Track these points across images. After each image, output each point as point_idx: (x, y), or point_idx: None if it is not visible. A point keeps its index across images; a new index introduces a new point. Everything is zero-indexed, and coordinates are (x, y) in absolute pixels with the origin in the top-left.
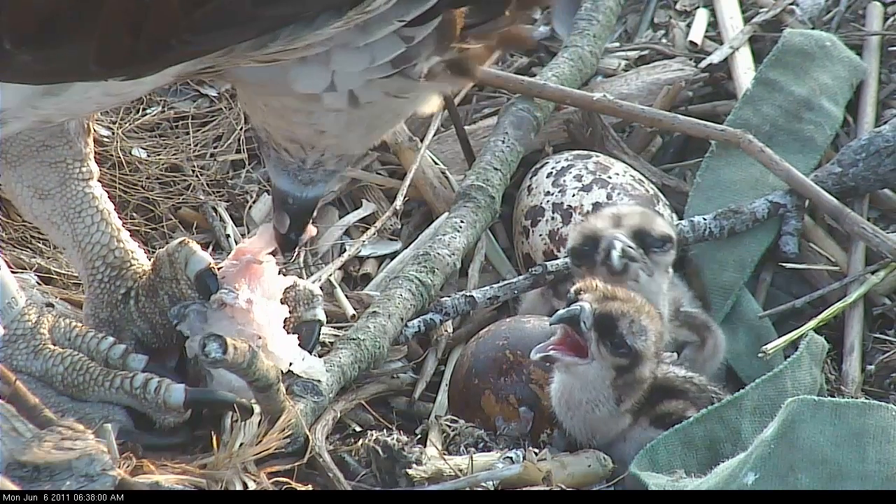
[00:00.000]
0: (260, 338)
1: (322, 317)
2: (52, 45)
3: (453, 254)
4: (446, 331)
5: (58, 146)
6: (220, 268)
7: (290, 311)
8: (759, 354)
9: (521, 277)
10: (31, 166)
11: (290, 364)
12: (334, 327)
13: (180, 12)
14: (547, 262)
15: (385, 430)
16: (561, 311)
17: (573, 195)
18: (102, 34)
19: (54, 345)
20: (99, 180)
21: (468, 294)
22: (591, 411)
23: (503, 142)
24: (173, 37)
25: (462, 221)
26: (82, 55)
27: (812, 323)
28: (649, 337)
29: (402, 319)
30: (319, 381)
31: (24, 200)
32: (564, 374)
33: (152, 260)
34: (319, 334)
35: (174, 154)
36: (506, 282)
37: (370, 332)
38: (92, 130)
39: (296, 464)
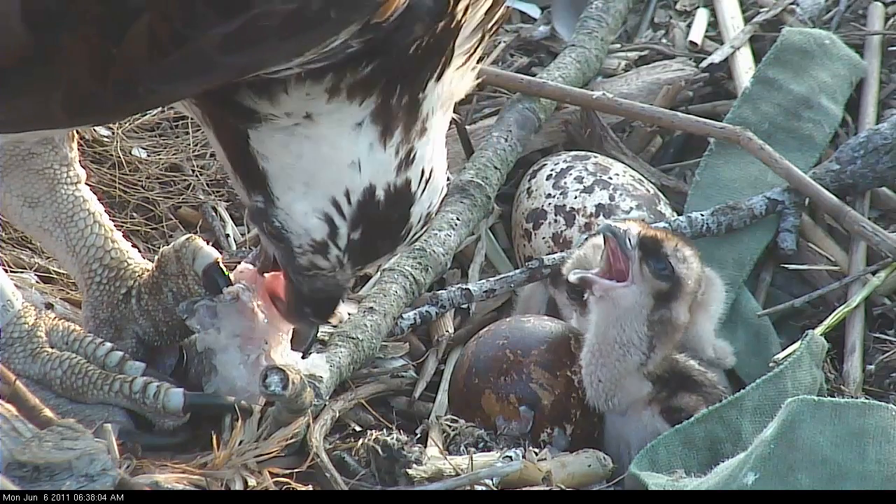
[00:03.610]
0: (266, 343)
1: None
2: (16, 96)
3: (447, 252)
4: (447, 331)
5: (44, 153)
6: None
7: None
8: (770, 364)
9: (517, 272)
10: (18, 175)
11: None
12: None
13: (147, 61)
14: (544, 257)
15: (385, 430)
16: (608, 222)
17: (575, 197)
18: (68, 83)
19: (52, 348)
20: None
21: (464, 287)
22: (622, 358)
23: (506, 140)
24: (140, 85)
25: (458, 218)
26: (47, 104)
27: (819, 329)
28: (691, 268)
29: (394, 318)
30: (321, 378)
31: (14, 210)
32: (601, 307)
33: (157, 257)
34: (318, 331)
35: (174, 154)
36: (502, 275)
37: (367, 332)
38: (76, 136)
39: (295, 469)
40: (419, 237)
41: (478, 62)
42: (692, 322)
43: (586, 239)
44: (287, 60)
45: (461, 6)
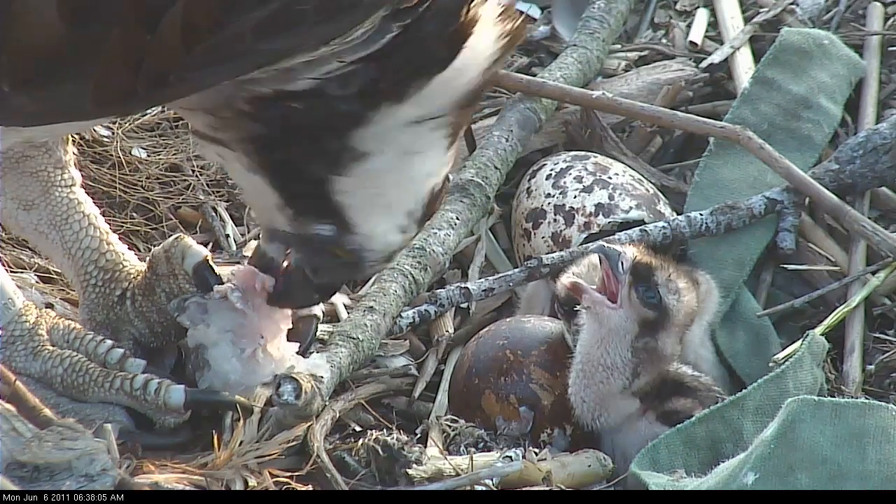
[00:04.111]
0: (262, 337)
1: (318, 312)
2: (49, 87)
3: (446, 252)
4: (447, 331)
5: (37, 156)
6: (227, 268)
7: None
8: (770, 364)
9: (516, 270)
10: (12, 178)
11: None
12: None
13: (182, 48)
14: (543, 256)
15: (385, 430)
16: (603, 243)
17: (574, 197)
18: (101, 73)
19: (53, 346)
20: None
21: (463, 286)
22: (606, 380)
23: (507, 139)
24: (171, 73)
25: (458, 218)
26: (79, 95)
27: (819, 329)
28: (682, 301)
29: (393, 318)
30: (322, 378)
31: (9, 213)
32: (589, 324)
33: (148, 259)
34: (317, 330)
35: (174, 154)
36: (501, 274)
37: (367, 332)
38: (70, 138)
39: (296, 473)
40: None
41: None
42: None
43: (586, 238)
44: (318, 46)
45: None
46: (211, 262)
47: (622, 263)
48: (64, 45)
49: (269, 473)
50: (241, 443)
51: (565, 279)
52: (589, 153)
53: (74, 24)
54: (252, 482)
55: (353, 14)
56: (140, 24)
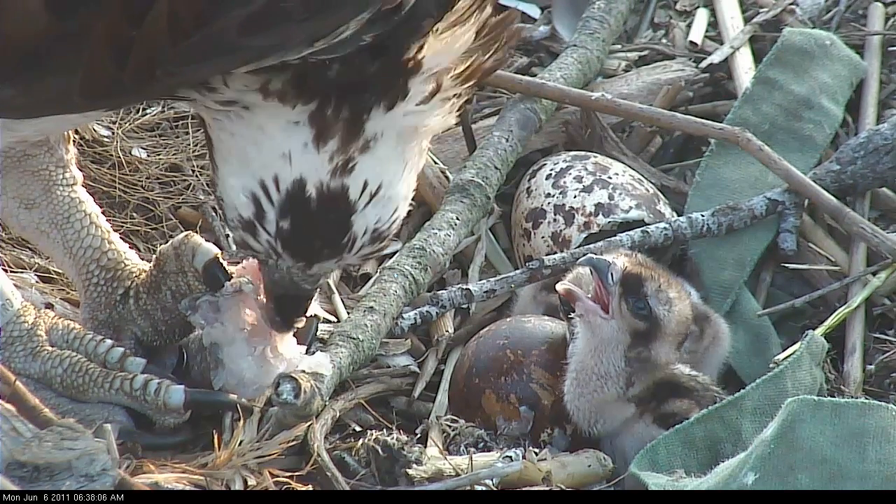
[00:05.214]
0: (272, 334)
1: (319, 311)
2: (36, 79)
3: (446, 252)
4: (447, 331)
5: (38, 154)
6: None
7: None
8: (770, 364)
9: (518, 272)
10: (13, 177)
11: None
12: (329, 322)
13: (167, 43)
14: (544, 257)
15: (385, 430)
16: (591, 255)
17: (574, 196)
18: (87, 66)
19: (52, 346)
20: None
21: (465, 287)
22: (600, 389)
23: (507, 140)
24: (159, 68)
25: (458, 218)
26: (66, 88)
27: (820, 329)
28: (673, 310)
29: (393, 318)
30: (324, 377)
31: (11, 212)
32: (583, 332)
33: (155, 256)
34: (317, 329)
35: (174, 154)
36: (502, 276)
37: (367, 332)
38: (72, 138)
39: (297, 473)
40: (373, 253)
41: (458, 111)
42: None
43: (586, 238)
44: (307, 44)
45: (422, 51)
46: (221, 260)
47: (612, 275)
48: (49, 38)
49: (269, 473)
50: (241, 443)
51: (560, 286)
52: (589, 153)
53: (59, 16)
54: (252, 482)
55: (339, 12)
56: (125, 18)
